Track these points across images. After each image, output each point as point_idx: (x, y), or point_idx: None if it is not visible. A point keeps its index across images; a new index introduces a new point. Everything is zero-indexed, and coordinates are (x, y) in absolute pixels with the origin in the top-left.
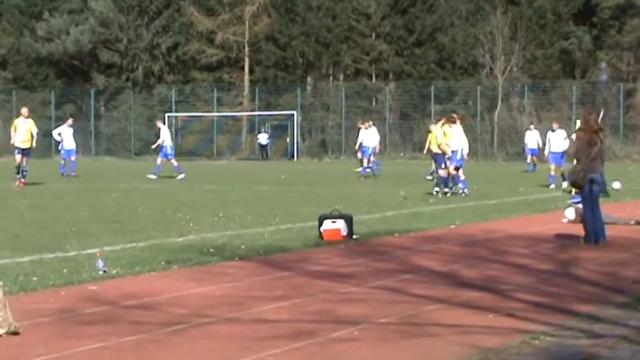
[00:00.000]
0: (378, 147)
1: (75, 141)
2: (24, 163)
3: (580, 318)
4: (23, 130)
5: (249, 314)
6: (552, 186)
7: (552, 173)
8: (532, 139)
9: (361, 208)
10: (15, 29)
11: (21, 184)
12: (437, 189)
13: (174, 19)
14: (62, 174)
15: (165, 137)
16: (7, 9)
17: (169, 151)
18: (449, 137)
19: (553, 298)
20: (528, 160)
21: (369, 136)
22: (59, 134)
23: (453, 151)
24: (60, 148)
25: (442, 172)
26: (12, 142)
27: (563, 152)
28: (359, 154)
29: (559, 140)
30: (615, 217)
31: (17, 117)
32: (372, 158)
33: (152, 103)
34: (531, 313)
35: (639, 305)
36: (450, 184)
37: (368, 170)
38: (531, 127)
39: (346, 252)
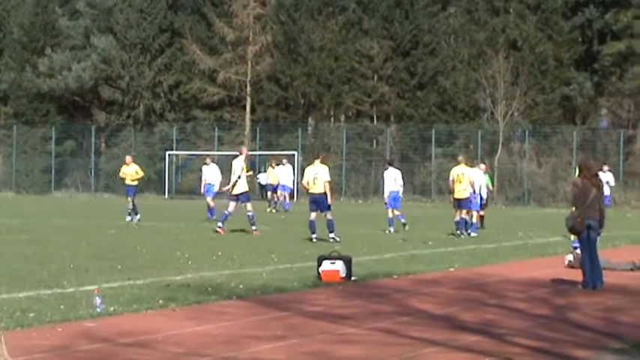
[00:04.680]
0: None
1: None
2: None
3: None
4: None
5: (245, 354)
6: None
7: None
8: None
9: (360, 249)
10: (17, 64)
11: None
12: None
13: (176, 58)
14: None
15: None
16: (9, 44)
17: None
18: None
19: (550, 343)
20: None
21: (284, 175)
22: None
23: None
24: None
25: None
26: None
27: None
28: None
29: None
30: (614, 263)
31: (18, 152)
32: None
33: (153, 141)
34: (529, 358)
35: (636, 351)
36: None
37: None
38: (605, 168)
39: (344, 293)
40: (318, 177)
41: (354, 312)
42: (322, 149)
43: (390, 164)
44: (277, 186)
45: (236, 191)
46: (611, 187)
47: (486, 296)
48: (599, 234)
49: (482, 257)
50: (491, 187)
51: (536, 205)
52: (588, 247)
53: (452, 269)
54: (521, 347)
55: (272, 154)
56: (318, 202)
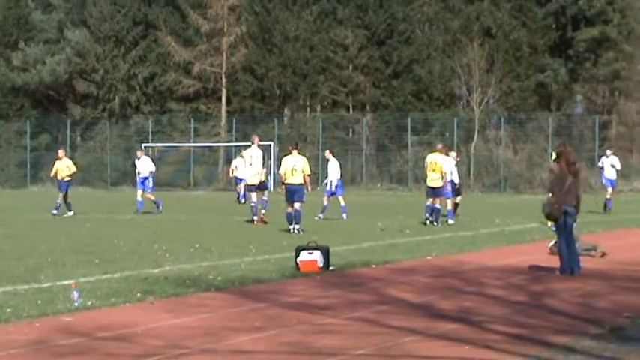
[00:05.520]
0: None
1: None
2: (257, 199)
3: (555, 349)
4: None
5: (225, 345)
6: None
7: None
8: (608, 166)
9: (338, 239)
10: None
11: (259, 222)
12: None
13: (151, 50)
14: None
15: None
16: None
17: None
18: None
19: (528, 330)
20: (608, 196)
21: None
22: None
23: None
24: None
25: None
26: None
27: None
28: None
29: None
30: (586, 244)
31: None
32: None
33: (129, 134)
34: (507, 345)
35: (613, 336)
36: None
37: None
38: (608, 152)
39: (322, 283)
40: (297, 168)
41: (333, 302)
42: (299, 139)
43: (332, 154)
44: None
45: (256, 181)
46: (617, 171)
47: (464, 284)
48: (575, 220)
49: (459, 245)
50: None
51: (512, 191)
52: (565, 233)
53: (429, 257)
54: (500, 334)
55: (248, 145)
56: (294, 193)
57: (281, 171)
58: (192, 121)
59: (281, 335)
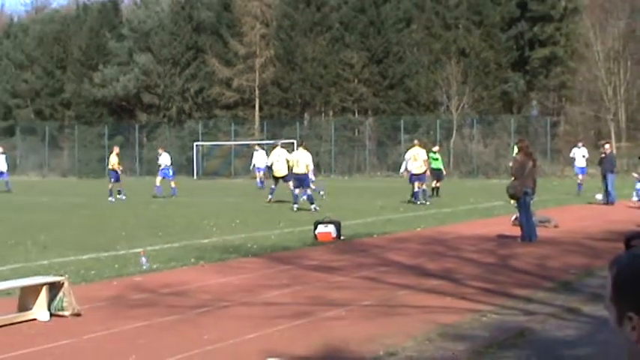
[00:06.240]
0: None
1: (7, 164)
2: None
3: (517, 299)
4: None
5: (260, 299)
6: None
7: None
8: (579, 156)
9: (347, 215)
10: (77, 78)
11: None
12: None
13: (200, 69)
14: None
15: (166, 161)
16: (71, 62)
17: (170, 173)
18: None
19: (496, 284)
20: (579, 181)
21: (259, 158)
22: None
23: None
24: None
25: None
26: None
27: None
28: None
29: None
30: (542, 217)
31: (79, 146)
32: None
33: (183, 135)
34: (480, 296)
35: (563, 289)
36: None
37: (260, 185)
38: (579, 144)
39: (335, 250)
40: (300, 160)
41: (343, 264)
42: (315, 138)
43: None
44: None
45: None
46: (587, 160)
47: (446, 249)
48: (532, 199)
49: (442, 219)
50: (443, 170)
51: (483, 177)
52: (525, 208)
53: (418, 229)
54: (474, 288)
55: (275, 143)
56: (300, 180)
57: (290, 163)
58: (232, 124)
59: (304, 291)
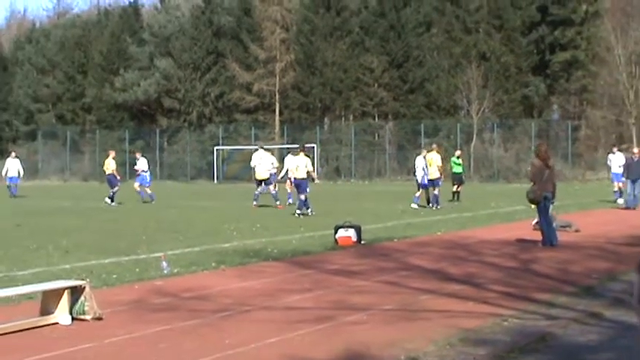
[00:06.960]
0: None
1: (22, 168)
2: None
3: (539, 304)
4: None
5: (281, 303)
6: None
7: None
8: (615, 163)
9: (367, 219)
10: (98, 82)
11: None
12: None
13: (220, 74)
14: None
15: (143, 166)
16: (92, 67)
17: (147, 179)
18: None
19: (518, 289)
20: (615, 189)
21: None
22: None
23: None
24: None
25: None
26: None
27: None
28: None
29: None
30: (563, 221)
31: (100, 150)
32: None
33: (203, 139)
34: (501, 301)
35: (584, 294)
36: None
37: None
38: (614, 150)
39: (356, 254)
40: (300, 165)
41: (364, 268)
42: (335, 142)
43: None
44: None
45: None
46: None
47: (467, 254)
48: (552, 203)
49: (463, 223)
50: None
51: (504, 181)
52: (545, 213)
53: (439, 233)
54: (496, 293)
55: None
56: (298, 185)
57: (291, 167)
58: (252, 128)
59: (325, 295)
